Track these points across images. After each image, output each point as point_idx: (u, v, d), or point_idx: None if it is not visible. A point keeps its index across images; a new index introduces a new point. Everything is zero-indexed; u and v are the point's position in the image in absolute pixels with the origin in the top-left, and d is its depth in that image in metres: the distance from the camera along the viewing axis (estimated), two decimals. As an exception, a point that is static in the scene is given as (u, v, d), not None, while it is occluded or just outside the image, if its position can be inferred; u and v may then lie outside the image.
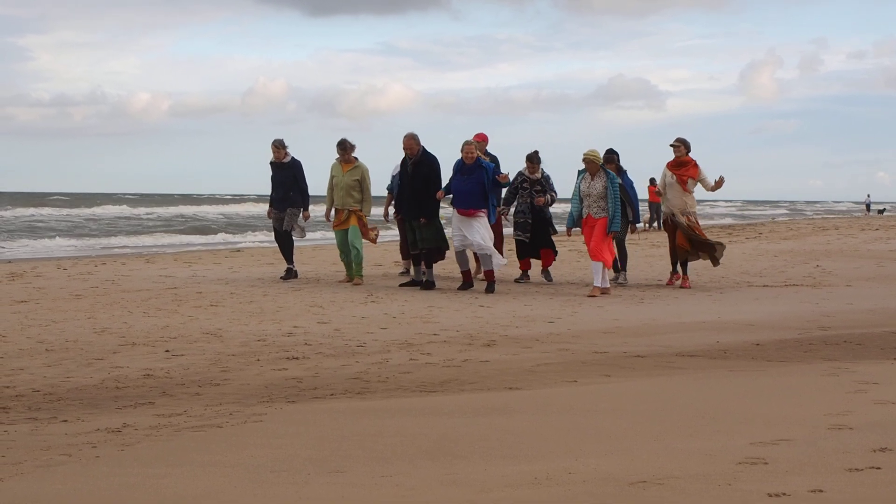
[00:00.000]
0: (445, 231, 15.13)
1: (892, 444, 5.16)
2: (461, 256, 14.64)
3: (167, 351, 9.09)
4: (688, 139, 15.28)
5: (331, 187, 15.29)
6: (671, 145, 15.27)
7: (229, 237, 35.38)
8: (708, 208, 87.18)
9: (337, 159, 15.28)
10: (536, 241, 15.55)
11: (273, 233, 16.23)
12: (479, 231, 14.22)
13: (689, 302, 13.32)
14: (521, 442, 5.41)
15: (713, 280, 16.31)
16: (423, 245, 14.57)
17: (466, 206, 14.27)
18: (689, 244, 15.10)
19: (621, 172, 15.42)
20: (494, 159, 15.39)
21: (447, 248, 14.92)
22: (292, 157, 15.73)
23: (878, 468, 4.70)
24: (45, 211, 53.71)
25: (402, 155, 14.81)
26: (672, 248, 15.36)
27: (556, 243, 15.87)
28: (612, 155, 15.44)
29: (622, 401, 6.62)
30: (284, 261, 15.94)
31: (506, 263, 14.71)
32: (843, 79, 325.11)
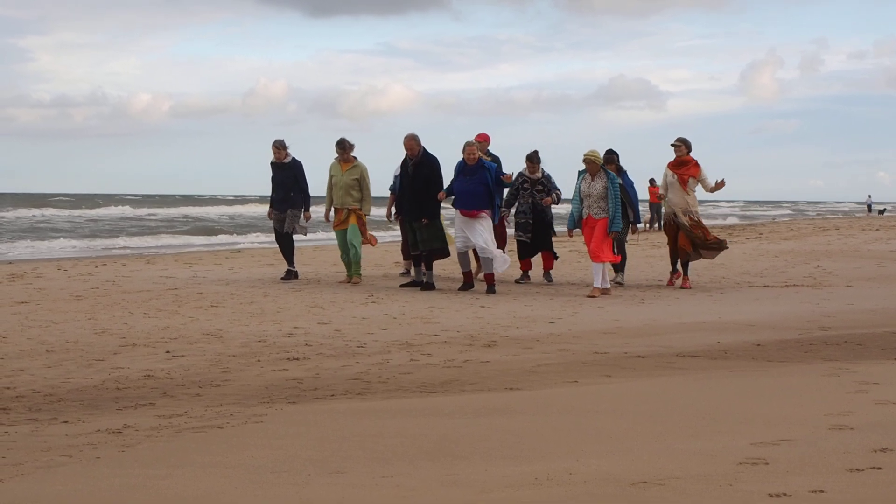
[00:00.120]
0: (448, 231, 15.12)
1: (892, 444, 5.16)
2: (463, 258, 14.63)
3: (168, 352, 9.09)
4: (689, 139, 15.31)
5: (330, 187, 15.30)
6: (672, 145, 15.29)
7: (236, 238, 35.42)
8: (711, 209, 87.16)
9: (336, 159, 15.29)
10: (537, 241, 15.54)
11: (274, 233, 16.22)
12: (482, 233, 14.20)
13: (690, 302, 13.32)
14: (521, 442, 5.41)
15: (714, 280, 16.31)
16: (423, 246, 14.55)
17: (470, 207, 14.25)
18: (691, 246, 15.09)
19: (621, 173, 15.43)
20: (496, 159, 15.38)
21: (447, 248, 14.89)
22: (293, 158, 15.73)
23: (879, 468, 4.70)
24: (49, 212, 53.68)
25: (403, 156, 14.81)
26: (672, 248, 15.35)
27: (555, 244, 15.86)
28: (612, 155, 15.45)
29: (623, 401, 6.62)
30: (285, 262, 15.93)
31: (509, 265, 14.70)
32: (844, 79, 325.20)
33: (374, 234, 15.99)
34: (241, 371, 8.18)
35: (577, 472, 4.71)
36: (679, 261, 15.39)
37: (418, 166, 14.52)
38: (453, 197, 14.53)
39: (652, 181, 35.57)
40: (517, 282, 15.68)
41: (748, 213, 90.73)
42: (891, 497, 4.28)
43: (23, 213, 51.89)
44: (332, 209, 15.34)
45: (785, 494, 4.28)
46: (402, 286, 14.86)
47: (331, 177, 15.29)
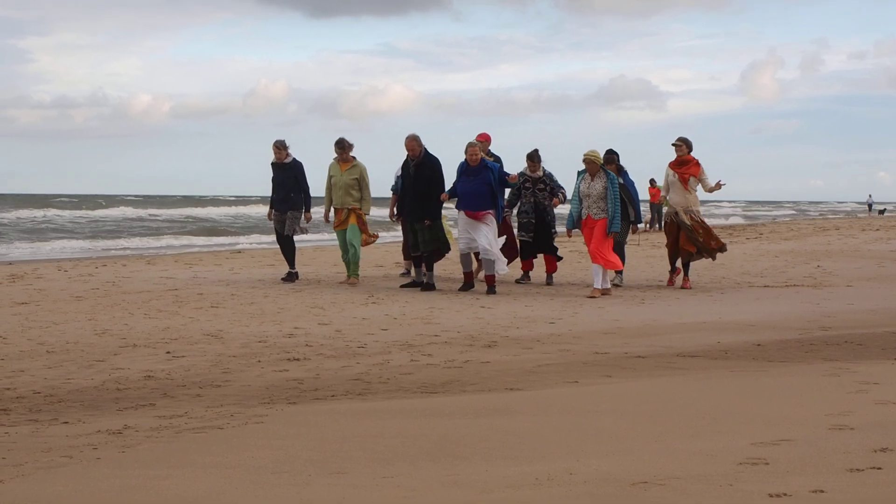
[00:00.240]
0: (451, 232, 15.11)
1: (892, 444, 5.16)
2: (465, 258, 14.62)
3: (168, 352, 9.09)
4: (689, 139, 15.31)
5: (329, 187, 15.29)
6: (673, 144, 15.30)
7: (241, 238, 35.43)
8: (713, 209, 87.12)
9: (335, 159, 15.28)
10: (539, 242, 15.52)
11: (275, 234, 16.19)
12: (486, 235, 14.18)
13: (690, 302, 13.32)
14: (522, 443, 5.41)
15: (714, 280, 16.32)
16: (423, 248, 14.53)
17: (475, 208, 14.23)
18: (693, 246, 15.08)
19: (622, 173, 15.42)
20: (498, 159, 15.37)
21: (448, 249, 14.89)
22: (293, 158, 15.72)
23: (879, 468, 4.70)
24: (51, 213, 53.61)
25: (404, 156, 14.80)
26: (671, 247, 15.31)
27: (556, 245, 15.84)
28: (612, 155, 15.45)
29: (623, 401, 6.62)
30: (286, 263, 15.91)
31: (506, 272, 14.70)
32: (844, 79, 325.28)
33: (376, 232, 16.00)
34: (242, 372, 8.19)
35: (577, 473, 4.72)
36: (679, 260, 15.38)
37: (420, 167, 14.51)
38: (456, 198, 14.52)
39: (652, 181, 35.62)
40: (518, 282, 15.68)
41: (751, 213, 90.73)
42: (891, 497, 4.28)
43: (25, 213, 51.78)
44: (332, 209, 15.34)
45: (785, 494, 4.28)
46: (402, 287, 14.85)
47: (330, 177, 15.28)
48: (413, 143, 14.56)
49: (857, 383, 7.05)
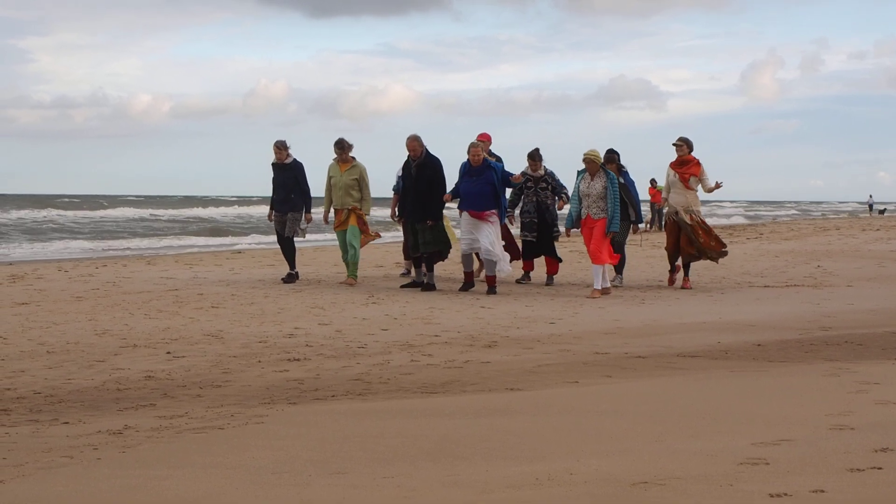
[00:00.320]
0: (453, 232, 15.09)
1: (893, 444, 5.16)
2: (467, 259, 14.60)
3: (168, 353, 9.09)
4: (690, 139, 15.30)
5: (329, 188, 15.26)
6: (674, 144, 15.29)
7: (248, 238, 35.45)
8: (716, 209, 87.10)
9: (334, 159, 15.26)
10: (541, 243, 15.50)
11: (276, 235, 16.16)
12: (489, 236, 14.15)
13: (691, 302, 13.33)
14: (522, 443, 5.41)
15: (714, 280, 16.32)
16: (425, 248, 14.49)
17: (478, 208, 14.21)
18: (693, 248, 15.07)
19: (622, 172, 15.41)
20: (499, 159, 15.36)
21: (449, 249, 14.86)
22: (294, 159, 15.69)
23: (880, 468, 4.70)
24: (53, 213, 53.59)
25: (404, 156, 14.78)
26: (671, 246, 15.27)
27: (556, 245, 15.83)
28: (612, 155, 15.44)
29: (623, 401, 6.62)
30: (287, 264, 15.88)
31: (510, 272, 14.69)
32: (844, 79, 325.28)
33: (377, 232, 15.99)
34: (242, 372, 8.19)
35: (577, 473, 4.72)
36: (679, 259, 15.36)
37: (421, 167, 14.49)
38: (458, 199, 14.51)
39: (653, 181, 35.64)
40: (518, 282, 15.68)
41: (753, 212, 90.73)
42: (891, 497, 4.28)
43: (28, 214, 51.73)
44: (332, 210, 15.32)
45: (785, 494, 4.28)
46: (402, 287, 14.85)
47: (329, 177, 15.26)
48: (414, 143, 14.54)
49: (858, 383, 7.05)
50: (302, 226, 15.80)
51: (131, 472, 4.90)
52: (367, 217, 15.36)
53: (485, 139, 15.40)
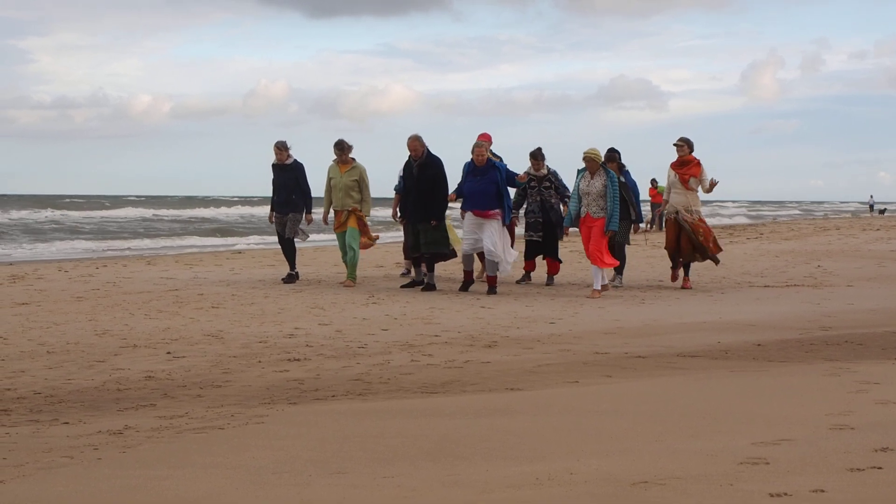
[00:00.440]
0: (456, 232, 15.07)
1: (893, 443, 5.16)
2: (467, 258, 14.57)
3: (168, 353, 9.09)
4: (691, 139, 15.28)
5: (328, 189, 15.23)
6: (674, 144, 15.27)
7: (257, 237, 35.48)
8: (718, 209, 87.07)
9: (334, 161, 15.23)
10: (546, 243, 15.47)
11: (277, 236, 16.13)
12: (492, 236, 14.13)
13: (691, 302, 13.33)
14: (522, 443, 5.41)
15: (714, 280, 16.32)
16: (426, 249, 14.44)
17: (482, 208, 14.19)
18: (692, 248, 15.05)
19: (623, 171, 15.40)
20: (500, 159, 15.34)
21: (451, 250, 14.80)
22: (294, 160, 15.67)
23: (880, 468, 4.70)
24: (58, 213, 53.54)
25: (404, 156, 14.75)
26: (671, 242, 15.18)
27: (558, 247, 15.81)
28: (613, 153, 15.41)
29: (623, 401, 6.62)
30: (287, 264, 15.86)
31: (508, 272, 14.68)
32: (845, 79, 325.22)
33: (377, 234, 15.97)
34: (242, 372, 8.19)
35: (577, 472, 4.72)
36: (683, 262, 15.34)
37: (423, 167, 14.46)
38: (461, 199, 14.49)
39: (653, 182, 35.64)
40: (518, 282, 15.67)
41: (757, 212, 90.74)
42: (891, 496, 4.28)
43: (31, 215, 51.67)
44: (332, 211, 15.28)
45: (786, 494, 4.28)
46: (402, 287, 14.84)
47: (329, 179, 15.22)
48: (416, 143, 14.51)
49: (858, 383, 7.05)
50: (303, 227, 15.78)
51: (131, 473, 4.90)
52: (367, 218, 15.33)
53: (485, 139, 15.39)
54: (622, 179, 15.07)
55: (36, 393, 7.34)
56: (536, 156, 15.42)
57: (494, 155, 15.22)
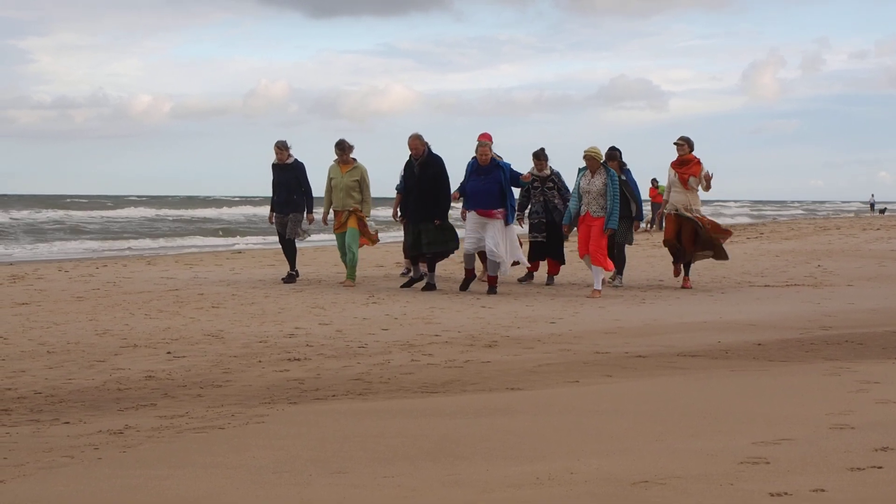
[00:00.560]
0: (457, 232, 15.05)
1: (893, 443, 5.16)
2: (469, 257, 14.53)
3: (169, 353, 9.09)
4: (691, 138, 15.26)
5: (329, 189, 15.19)
6: (675, 143, 15.25)
7: (251, 238, 35.47)
8: (720, 208, 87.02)
9: (335, 161, 15.20)
10: (550, 244, 15.45)
11: (278, 236, 16.11)
12: (495, 236, 14.10)
13: (691, 302, 13.32)
14: (522, 442, 5.41)
15: (715, 280, 16.32)
16: (428, 249, 14.39)
17: (485, 207, 14.16)
18: (695, 244, 15.00)
19: (624, 170, 15.38)
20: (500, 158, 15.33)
21: (455, 248, 14.72)
22: (295, 159, 15.65)
23: (880, 467, 4.71)
24: (62, 213, 53.46)
25: (405, 156, 14.72)
26: (671, 234, 15.08)
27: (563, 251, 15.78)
28: (614, 152, 15.39)
29: (624, 401, 6.62)
30: (288, 264, 15.84)
31: (507, 272, 14.67)
32: (845, 78, 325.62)
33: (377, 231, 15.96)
34: (243, 372, 8.19)
35: (578, 472, 4.72)
36: (683, 262, 15.32)
37: (424, 166, 14.41)
38: (463, 198, 14.47)
39: (654, 181, 35.63)
40: (520, 281, 15.66)
41: (761, 212, 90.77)
42: (892, 496, 4.28)
43: (34, 215, 51.60)
44: (332, 211, 15.26)
45: (786, 493, 4.28)
46: (402, 286, 14.82)
47: (330, 179, 15.19)
48: (416, 141, 14.47)
49: (858, 382, 7.05)
50: (304, 227, 15.76)
51: (132, 472, 4.90)
52: (367, 219, 15.31)
53: (485, 139, 15.37)
54: (623, 178, 15.06)
55: (36, 393, 7.34)
56: (540, 156, 15.41)
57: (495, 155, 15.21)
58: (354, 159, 15.17)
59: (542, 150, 15.45)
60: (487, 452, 5.20)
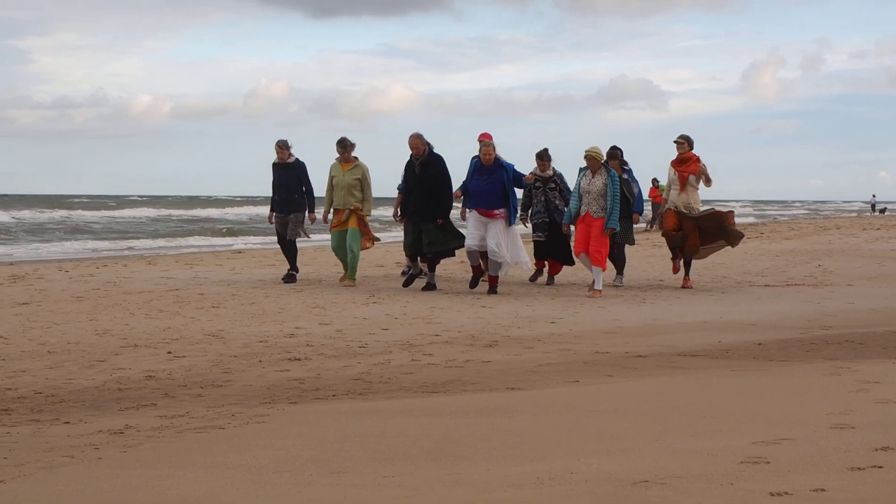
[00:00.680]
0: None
1: (893, 442, 5.16)
2: (473, 254, 14.46)
3: (169, 352, 9.09)
4: (691, 136, 15.25)
5: (330, 188, 15.17)
6: (675, 141, 15.24)
7: (251, 238, 35.46)
8: (722, 208, 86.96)
9: (337, 159, 15.17)
10: (553, 243, 15.44)
11: (277, 236, 16.08)
12: (497, 236, 14.08)
13: (691, 302, 13.32)
14: (523, 442, 5.41)
15: (715, 280, 16.32)
16: (429, 249, 14.37)
17: (487, 207, 14.14)
18: (699, 240, 14.98)
19: (625, 169, 15.38)
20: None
21: (459, 246, 14.69)
22: (296, 158, 15.63)
23: (880, 467, 4.71)
24: (64, 213, 53.40)
25: (406, 156, 14.70)
26: (672, 226, 15.07)
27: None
28: (615, 151, 15.40)
29: (624, 401, 6.62)
30: (288, 263, 15.82)
31: (508, 273, 14.67)
32: (845, 78, 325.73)
33: (377, 234, 15.94)
34: (243, 371, 8.19)
35: (578, 472, 4.72)
36: (679, 252, 15.29)
37: (425, 166, 14.39)
38: (464, 196, 14.46)
39: (654, 181, 35.62)
40: (531, 280, 15.64)
41: (764, 211, 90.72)
42: (892, 495, 4.28)
43: (39, 215, 51.55)
44: (332, 210, 15.23)
45: (786, 493, 4.28)
46: (403, 285, 14.81)
47: (331, 177, 15.16)
48: (417, 141, 14.44)
49: (858, 382, 7.05)
50: (305, 227, 15.74)
51: (132, 472, 4.90)
52: (367, 218, 15.29)
53: (486, 139, 15.36)
54: (624, 176, 15.07)
55: (37, 392, 7.34)
56: (543, 156, 15.41)
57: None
58: (356, 158, 15.14)
59: (546, 150, 15.45)
60: (488, 452, 5.20)
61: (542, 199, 15.36)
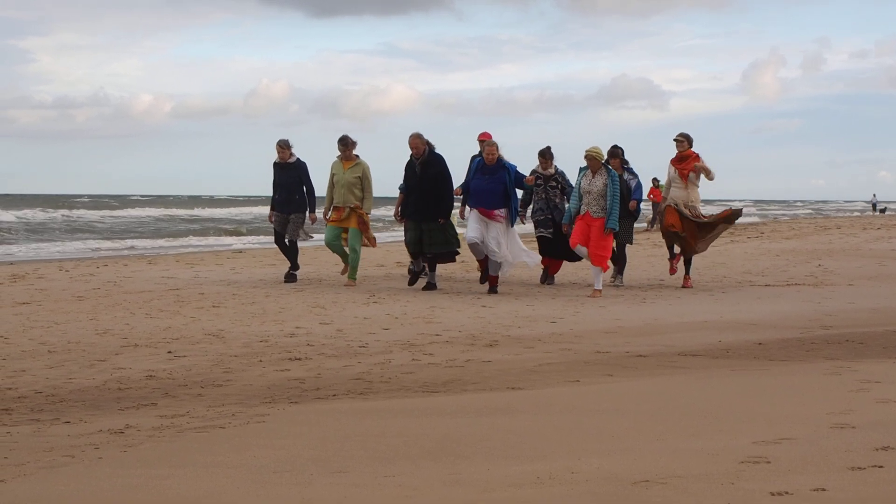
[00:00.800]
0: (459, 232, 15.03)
1: (894, 442, 5.16)
2: (475, 247, 14.38)
3: (169, 352, 9.09)
4: (691, 134, 15.24)
5: (330, 186, 15.14)
6: (675, 140, 15.24)
7: (251, 238, 35.47)
8: (724, 208, 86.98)
9: (338, 157, 15.16)
10: (556, 243, 15.43)
11: (274, 235, 16.06)
12: (497, 236, 14.08)
13: (692, 301, 13.32)
14: (523, 442, 5.41)
15: (715, 279, 16.32)
16: (429, 249, 14.36)
17: (488, 206, 14.12)
18: (697, 238, 14.99)
19: (626, 168, 15.37)
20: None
21: (458, 249, 14.70)
22: (297, 158, 15.61)
23: (881, 467, 4.71)
24: (67, 213, 53.36)
25: (407, 156, 14.69)
26: (674, 222, 15.08)
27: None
28: (616, 150, 15.40)
29: (624, 400, 6.62)
30: (289, 263, 15.79)
31: (507, 274, 14.66)
32: (846, 78, 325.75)
33: (376, 234, 15.93)
34: (243, 371, 8.19)
35: (578, 472, 4.72)
36: (680, 251, 15.29)
37: (426, 165, 14.38)
38: (464, 195, 14.45)
39: (655, 181, 35.61)
40: (542, 282, 15.60)
41: (766, 211, 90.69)
42: (892, 495, 4.28)
43: (40, 214, 51.51)
44: (332, 208, 15.20)
45: (787, 493, 4.28)
46: (409, 283, 14.81)
47: (332, 175, 15.14)
48: (417, 140, 14.43)
49: (859, 382, 7.05)
50: (306, 227, 15.72)
51: (133, 472, 4.90)
52: (367, 217, 15.27)
53: (486, 139, 15.36)
54: (625, 176, 15.06)
55: (37, 392, 7.34)
56: (545, 154, 15.40)
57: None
58: (357, 156, 15.12)
59: (548, 148, 15.45)
60: (488, 452, 5.20)
61: (543, 196, 15.35)
